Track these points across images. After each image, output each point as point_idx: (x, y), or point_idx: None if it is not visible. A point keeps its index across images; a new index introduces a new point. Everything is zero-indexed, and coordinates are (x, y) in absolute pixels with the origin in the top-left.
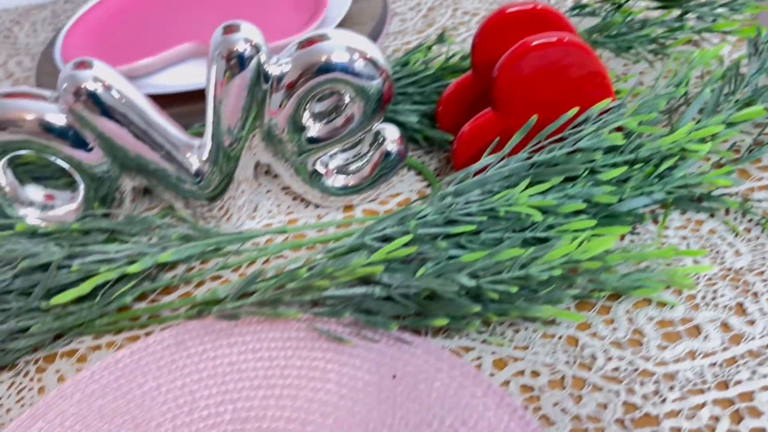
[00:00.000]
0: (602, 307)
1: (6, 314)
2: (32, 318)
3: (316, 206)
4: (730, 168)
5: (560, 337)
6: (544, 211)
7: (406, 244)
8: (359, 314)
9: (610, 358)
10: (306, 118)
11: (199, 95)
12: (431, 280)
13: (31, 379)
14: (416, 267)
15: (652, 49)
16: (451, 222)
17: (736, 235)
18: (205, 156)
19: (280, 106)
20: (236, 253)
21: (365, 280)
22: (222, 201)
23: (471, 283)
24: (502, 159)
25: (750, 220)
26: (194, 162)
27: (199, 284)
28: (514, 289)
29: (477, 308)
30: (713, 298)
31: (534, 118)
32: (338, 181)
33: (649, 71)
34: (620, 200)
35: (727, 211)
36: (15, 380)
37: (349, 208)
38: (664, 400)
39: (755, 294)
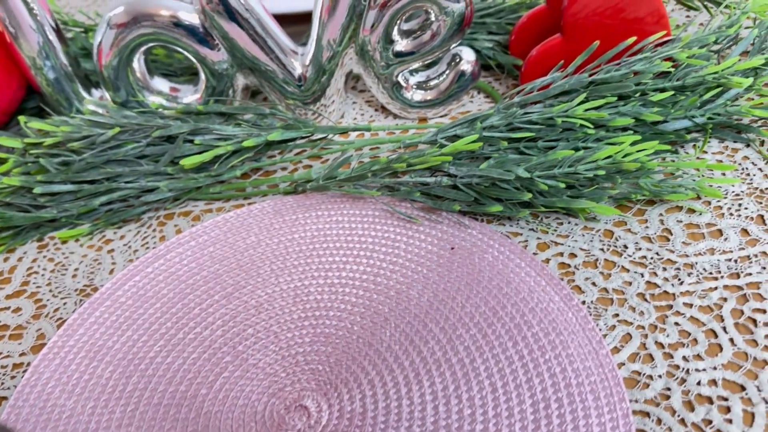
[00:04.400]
0: (638, 210)
1: (138, 175)
2: (159, 180)
3: (395, 117)
4: None
5: (598, 231)
6: (597, 125)
7: (472, 143)
8: (427, 198)
9: (639, 248)
10: (395, 34)
11: (303, 18)
12: (492, 169)
13: (154, 230)
14: (480, 163)
15: None
16: (514, 129)
17: (767, 162)
18: (307, 62)
19: (374, 24)
20: (328, 144)
21: (434, 171)
22: (316, 106)
23: (525, 174)
24: (565, 77)
25: None
26: (298, 67)
27: (295, 170)
28: (562, 185)
29: (528, 195)
30: (737, 209)
31: (596, 43)
32: (417, 95)
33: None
34: (665, 121)
35: (762, 143)
36: (140, 230)
37: (423, 120)
38: (681, 283)
39: None
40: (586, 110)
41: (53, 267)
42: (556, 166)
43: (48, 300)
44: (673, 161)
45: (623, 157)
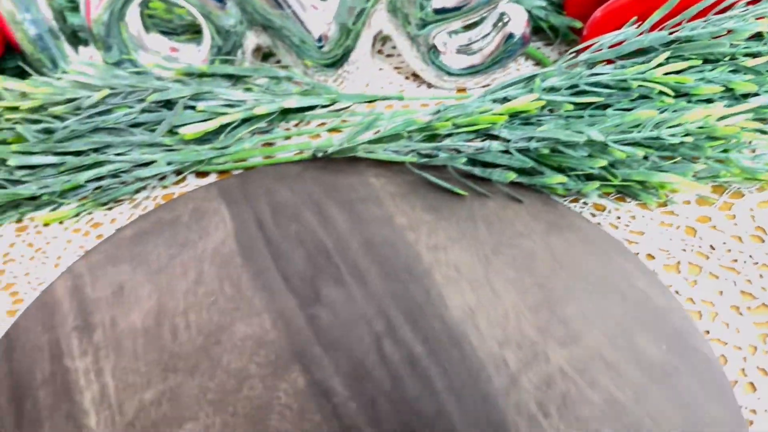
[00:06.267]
0: (724, 203)
1: (130, 146)
2: (155, 152)
3: (429, 87)
4: None
5: (678, 227)
6: (678, 94)
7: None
8: (473, 166)
9: (729, 250)
10: None
11: None
12: (557, 131)
13: None
14: (536, 128)
15: None
16: (578, 93)
17: None
18: (329, 20)
19: None
20: (352, 115)
21: (481, 137)
22: (338, 71)
23: (600, 137)
24: (641, 34)
25: None
26: (318, 25)
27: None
28: (641, 152)
29: (602, 162)
30: None
31: None
32: (455, 61)
33: None
34: (757, 94)
35: None
36: (134, 213)
37: (461, 91)
38: None
39: None
40: (666, 74)
41: (33, 254)
42: (636, 128)
43: (25, 293)
44: None
45: (718, 119)
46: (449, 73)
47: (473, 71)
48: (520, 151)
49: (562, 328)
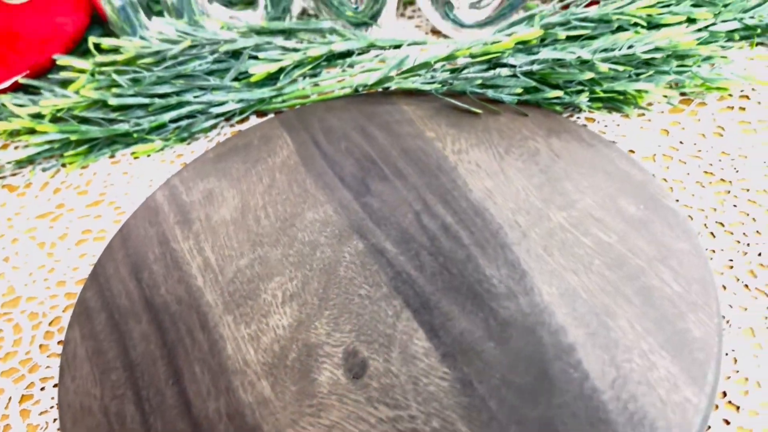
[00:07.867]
0: (691, 111)
1: (205, 90)
2: (225, 95)
3: (446, 39)
4: None
5: (654, 130)
6: (650, 26)
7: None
8: (486, 89)
9: (695, 144)
10: None
11: None
12: (554, 52)
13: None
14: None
15: None
16: (570, 29)
17: None
18: None
19: None
20: (383, 59)
21: (492, 66)
22: (367, 30)
23: (587, 55)
24: None
25: None
26: None
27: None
28: (621, 67)
29: (589, 74)
30: None
31: None
32: (468, 15)
33: None
34: (713, 23)
35: None
36: (208, 145)
37: None
38: (737, 171)
39: None
40: (640, 9)
41: (129, 179)
42: (616, 48)
43: (127, 207)
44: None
45: (680, 36)
46: (463, 26)
47: (483, 23)
48: (524, 74)
49: (561, 198)
